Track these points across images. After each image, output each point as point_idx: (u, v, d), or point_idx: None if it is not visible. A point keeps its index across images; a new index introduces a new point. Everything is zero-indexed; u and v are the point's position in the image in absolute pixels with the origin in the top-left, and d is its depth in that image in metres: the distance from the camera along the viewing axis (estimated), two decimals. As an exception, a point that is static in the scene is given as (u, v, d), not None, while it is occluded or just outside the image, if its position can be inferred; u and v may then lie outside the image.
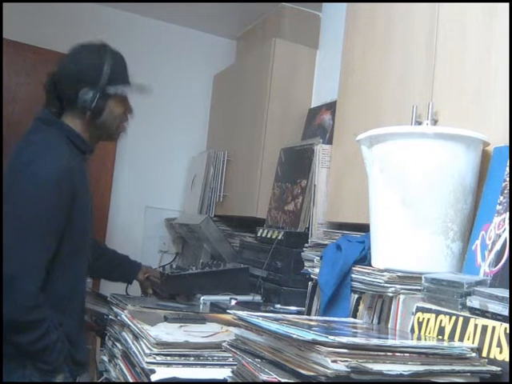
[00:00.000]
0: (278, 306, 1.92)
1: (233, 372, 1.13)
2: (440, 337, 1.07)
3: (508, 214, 1.15)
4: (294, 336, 0.92)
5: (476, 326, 1.01)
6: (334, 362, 0.85)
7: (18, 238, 1.50)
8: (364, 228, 1.53)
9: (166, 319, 1.58)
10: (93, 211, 1.76)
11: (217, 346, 1.33)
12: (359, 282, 1.39)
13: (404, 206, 1.29)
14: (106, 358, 1.77)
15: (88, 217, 1.71)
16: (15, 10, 2.80)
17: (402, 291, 1.26)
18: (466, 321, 1.03)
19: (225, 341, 1.17)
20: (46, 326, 1.52)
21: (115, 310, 1.82)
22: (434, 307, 1.12)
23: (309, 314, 1.68)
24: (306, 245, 1.88)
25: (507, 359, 0.93)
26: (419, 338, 1.09)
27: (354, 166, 1.77)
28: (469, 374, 0.96)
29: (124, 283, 2.17)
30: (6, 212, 1.52)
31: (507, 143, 1.22)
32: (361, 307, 1.40)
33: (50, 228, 1.55)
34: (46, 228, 1.54)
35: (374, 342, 0.93)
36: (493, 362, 0.96)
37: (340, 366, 0.85)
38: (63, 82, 1.68)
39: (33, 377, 1.53)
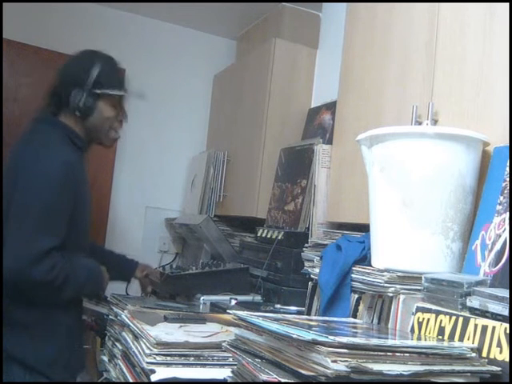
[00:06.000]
0: (278, 306, 1.92)
1: (233, 372, 1.13)
2: (440, 337, 1.07)
3: (508, 213, 1.15)
4: (294, 336, 0.92)
5: (476, 325, 1.01)
6: (334, 362, 0.85)
7: (24, 228, 1.55)
8: (364, 228, 1.53)
9: (165, 319, 1.58)
10: (91, 207, 1.81)
11: (217, 346, 1.33)
12: (359, 282, 1.39)
13: (404, 205, 1.29)
14: (105, 358, 1.77)
15: (88, 211, 1.77)
16: (15, 10, 2.80)
17: (402, 291, 1.26)
18: (466, 321, 1.03)
19: (225, 341, 1.17)
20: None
21: (115, 309, 1.82)
22: (434, 307, 1.12)
23: (309, 314, 1.68)
24: (306, 245, 1.88)
25: (507, 359, 0.93)
26: (419, 338, 1.09)
27: (354, 166, 1.77)
28: (469, 374, 0.96)
29: (123, 283, 2.16)
30: (13, 204, 1.57)
31: (507, 143, 1.22)
32: (361, 307, 1.40)
33: (58, 219, 1.60)
34: (55, 218, 1.59)
35: (374, 341, 0.93)
36: (493, 362, 0.96)
37: (340, 366, 0.85)
38: (59, 84, 1.78)
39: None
